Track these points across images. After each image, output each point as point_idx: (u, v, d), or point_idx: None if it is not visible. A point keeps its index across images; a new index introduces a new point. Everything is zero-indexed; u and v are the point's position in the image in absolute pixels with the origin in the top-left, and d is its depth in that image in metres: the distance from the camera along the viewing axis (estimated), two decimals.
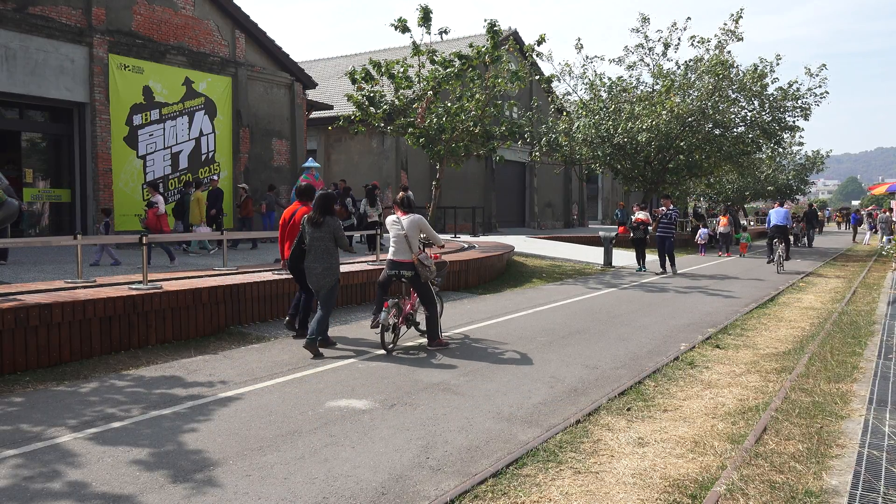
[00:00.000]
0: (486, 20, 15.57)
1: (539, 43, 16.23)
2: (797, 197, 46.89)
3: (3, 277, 9.15)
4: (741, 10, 22.97)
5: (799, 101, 23.63)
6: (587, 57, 24.21)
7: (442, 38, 15.62)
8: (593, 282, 14.41)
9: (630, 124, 22.29)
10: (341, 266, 7.94)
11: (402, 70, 15.40)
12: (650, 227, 16.79)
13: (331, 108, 23.49)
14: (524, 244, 20.21)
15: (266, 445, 4.54)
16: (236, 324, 8.55)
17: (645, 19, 23.72)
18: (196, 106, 17.21)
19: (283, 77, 19.52)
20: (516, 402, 5.60)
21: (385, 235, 16.59)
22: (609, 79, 24.04)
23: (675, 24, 23.28)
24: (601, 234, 18.86)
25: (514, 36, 26.91)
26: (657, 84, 23.72)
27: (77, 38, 14.50)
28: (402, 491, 3.88)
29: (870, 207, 58.38)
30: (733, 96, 23.30)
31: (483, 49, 15.48)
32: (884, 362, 6.85)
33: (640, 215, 16.73)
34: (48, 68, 14.12)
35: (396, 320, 7.43)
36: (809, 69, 23.38)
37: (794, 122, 24.32)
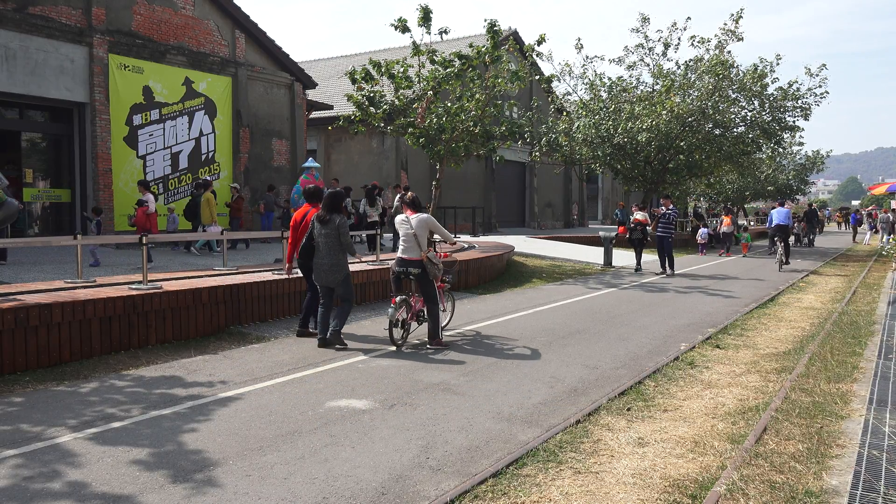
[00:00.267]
0: (486, 20, 15.56)
1: (539, 43, 16.22)
2: (797, 197, 46.89)
3: (3, 277, 9.15)
4: (741, 10, 22.96)
5: (799, 101, 23.62)
6: (587, 57, 24.20)
7: (442, 38, 15.61)
8: (593, 282, 14.41)
9: (630, 124, 22.28)
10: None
11: (402, 70, 15.39)
12: (648, 228, 16.79)
13: (331, 108, 23.49)
14: (524, 244, 20.21)
15: (266, 445, 4.54)
16: (236, 324, 8.54)
17: (645, 19, 23.71)
18: (196, 106, 17.22)
19: (283, 77, 19.53)
20: (516, 402, 5.60)
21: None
22: (609, 79, 24.03)
23: (675, 24, 23.27)
24: (601, 234, 18.87)
25: (514, 36, 26.91)
26: (657, 84, 23.70)
27: (77, 38, 14.50)
28: (402, 491, 3.88)
29: (870, 207, 58.40)
30: (733, 96, 23.29)
31: (483, 49, 15.47)
32: (884, 362, 6.85)
33: (638, 216, 16.72)
34: (48, 68, 14.12)
35: (405, 317, 7.64)
36: (809, 69, 23.38)
37: (794, 122, 24.32)
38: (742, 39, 23.11)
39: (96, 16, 14.78)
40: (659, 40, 23.66)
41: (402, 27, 15.26)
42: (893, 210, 28.46)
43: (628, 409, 5.45)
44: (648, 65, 24.17)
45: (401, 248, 7.79)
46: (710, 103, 22.54)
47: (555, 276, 15.28)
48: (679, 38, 23.48)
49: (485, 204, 28.45)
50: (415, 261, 7.63)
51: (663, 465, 4.31)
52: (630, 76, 24.45)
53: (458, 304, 10.88)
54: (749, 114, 23.99)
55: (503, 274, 14.85)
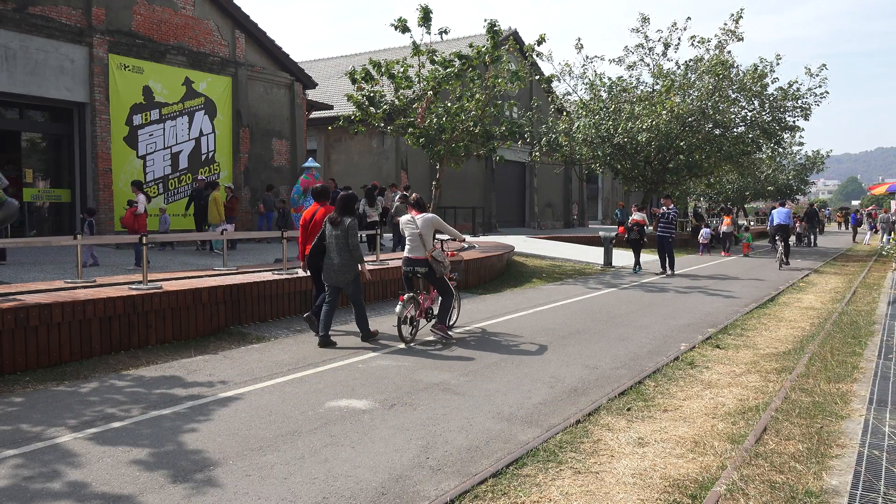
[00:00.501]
0: (486, 20, 15.57)
1: (539, 43, 16.22)
2: (797, 197, 46.91)
3: (3, 277, 9.15)
4: (741, 10, 22.97)
5: (799, 101, 23.63)
6: (587, 57, 24.21)
7: (442, 38, 15.61)
8: (593, 282, 14.41)
9: (630, 124, 22.28)
10: None
11: (402, 70, 15.39)
12: (649, 228, 16.79)
13: (331, 108, 23.49)
14: (524, 244, 20.21)
15: (266, 445, 4.54)
16: (236, 324, 8.54)
17: (645, 19, 23.72)
18: (196, 106, 17.22)
19: (283, 77, 19.53)
20: (516, 402, 5.60)
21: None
22: (609, 79, 24.03)
23: (675, 24, 23.28)
24: (601, 234, 18.87)
25: (514, 36, 26.91)
26: (657, 84, 23.71)
27: (77, 38, 14.50)
28: (402, 491, 3.88)
29: (870, 207, 58.39)
30: (733, 96, 23.29)
31: (483, 49, 15.47)
32: (884, 362, 6.85)
33: (636, 216, 16.70)
34: (48, 68, 14.12)
35: (413, 314, 7.84)
36: (809, 69, 23.39)
37: (794, 122, 24.33)
38: (742, 39, 23.11)
39: (96, 16, 14.78)
40: (659, 40, 23.68)
41: (402, 27, 15.26)
42: (894, 211, 28.46)
43: (628, 409, 5.45)
44: (648, 65, 24.19)
45: (407, 247, 8.03)
46: (710, 103, 22.55)
47: (555, 276, 15.28)
48: (679, 38, 23.49)
49: (485, 204, 28.45)
50: (420, 260, 7.88)
51: (663, 465, 4.31)
52: (630, 76, 24.47)
53: None
54: (749, 114, 24.00)
55: (503, 274, 14.85)
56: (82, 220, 12.14)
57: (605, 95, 23.97)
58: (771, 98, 23.47)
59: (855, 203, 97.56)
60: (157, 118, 16.27)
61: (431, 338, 8.08)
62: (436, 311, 8.25)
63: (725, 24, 23.17)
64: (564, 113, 25.17)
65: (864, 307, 10.83)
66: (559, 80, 24.49)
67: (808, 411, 5.30)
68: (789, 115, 23.94)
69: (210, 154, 17.63)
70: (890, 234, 25.90)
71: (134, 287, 7.77)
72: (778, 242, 18.52)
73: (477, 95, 15.65)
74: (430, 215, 8.04)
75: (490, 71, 15.88)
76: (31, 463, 4.19)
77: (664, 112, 21.62)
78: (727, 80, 22.55)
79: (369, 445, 4.57)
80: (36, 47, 13.88)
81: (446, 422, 5.07)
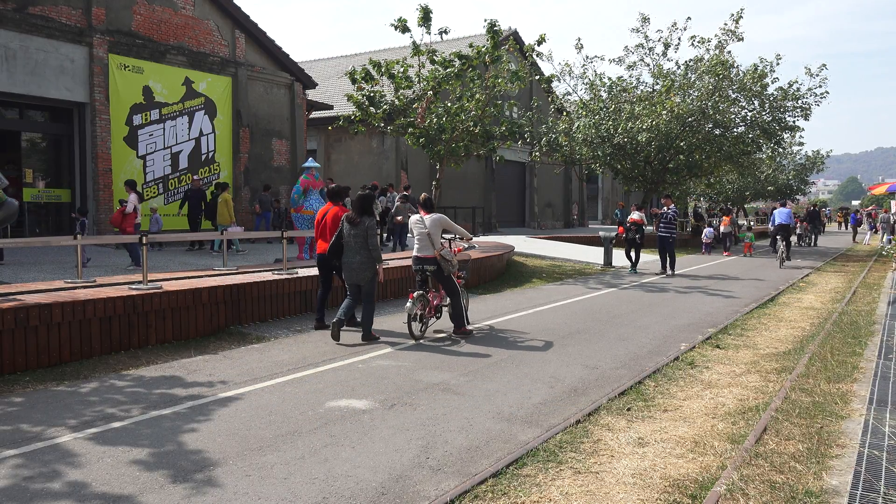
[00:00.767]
0: (486, 20, 15.57)
1: (539, 43, 16.23)
2: (797, 197, 46.92)
3: (3, 277, 9.15)
4: (741, 10, 22.97)
5: (799, 101, 23.62)
6: (587, 57, 24.20)
7: (442, 38, 15.62)
8: (593, 282, 14.41)
9: (630, 124, 22.28)
10: None
11: (402, 70, 15.39)
12: (649, 228, 16.79)
13: (331, 108, 23.49)
14: (524, 244, 20.21)
15: (266, 445, 4.53)
16: (236, 324, 8.54)
17: (645, 19, 23.71)
18: (196, 106, 17.22)
19: (283, 77, 19.53)
20: (516, 402, 5.60)
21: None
22: (609, 79, 24.03)
23: (675, 24, 23.27)
24: (601, 234, 18.87)
25: (514, 36, 26.92)
26: (657, 84, 23.70)
27: (77, 38, 14.50)
28: (402, 491, 3.88)
29: (870, 207, 58.38)
30: (733, 96, 23.28)
31: (483, 49, 15.47)
32: (884, 362, 6.85)
33: (635, 216, 16.68)
34: (48, 68, 14.12)
35: (423, 311, 8.07)
36: (809, 69, 23.38)
37: (794, 122, 24.32)
38: (742, 39, 23.11)
39: (96, 16, 14.78)
40: (659, 40, 23.66)
41: (402, 27, 15.26)
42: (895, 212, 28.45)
43: (628, 409, 5.44)
44: (648, 65, 24.18)
45: (416, 246, 8.27)
46: (710, 103, 22.54)
47: (555, 276, 15.28)
48: (679, 38, 23.48)
49: (485, 204, 28.45)
50: (429, 258, 8.15)
51: (663, 465, 4.31)
52: (630, 76, 24.46)
53: None
54: (749, 114, 23.99)
55: (503, 274, 14.85)
56: (74, 219, 12.13)
57: (605, 95, 23.96)
58: (771, 98, 23.46)
59: (855, 203, 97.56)
60: (157, 118, 16.27)
61: (440, 335, 8.28)
62: (445, 309, 8.54)
63: (725, 24, 23.17)
64: (564, 113, 25.16)
65: (864, 307, 10.83)
66: (559, 80, 24.49)
67: (808, 411, 5.30)
68: (789, 115, 23.93)
69: (210, 154, 17.63)
70: (891, 235, 25.89)
71: (134, 287, 7.77)
72: (779, 242, 18.97)
73: (477, 95, 15.65)
74: (438, 215, 8.28)
75: (490, 71, 15.89)
76: (31, 463, 4.19)
77: (664, 112, 21.62)
78: (727, 80, 22.54)
79: (369, 445, 4.57)
80: (36, 47, 13.88)
81: (446, 422, 5.07)
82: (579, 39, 24.45)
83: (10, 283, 8.32)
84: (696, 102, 22.73)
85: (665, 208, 16.34)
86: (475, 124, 15.86)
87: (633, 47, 24.09)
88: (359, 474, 4.09)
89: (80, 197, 15.08)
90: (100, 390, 5.83)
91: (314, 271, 10.15)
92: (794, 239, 25.99)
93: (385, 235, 16.70)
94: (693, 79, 23.21)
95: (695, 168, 24.56)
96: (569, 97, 26.27)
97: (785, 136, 25.43)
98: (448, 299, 8.35)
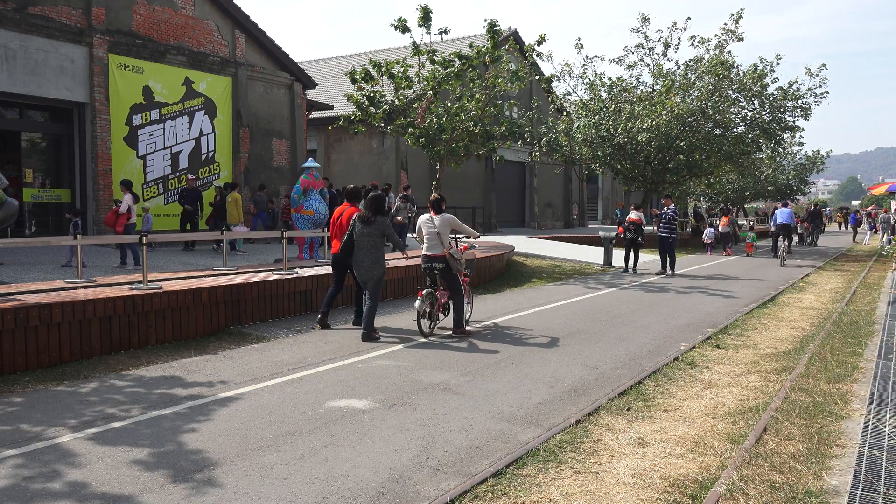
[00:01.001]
0: (486, 20, 15.56)
1: (539, 43, 16.22)
2: (797, 197, 46.93)
3: (3, 277, 9.15)
4: (741, 10, 22.97)
5: (799, 101, 23.62)
6: (587, 57, 24.21)
7: (442, 38, 15.61)
8: (593, 282, 14.41)
9: (630, 124, 22.28)
10: None
11: (402, 70, 15.39)
12: (649, 228, 16.79)
13: (331, 108, 23.49)
14: (524, 244, 20.21)
15: (266, 445, 4.53)
16: (236, 324, 8.54)
17: (645, 19, 23.72)
18: (196, 106, 17.21)
19: (283, 77, 19.53)
20: (516, 402, 5.60)
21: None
22: (609, 79, 24.03)
23: (675, 24, 23.27)
24: (601, 234, 18.87)
25: (514, 36, 26.92)
26: (657, 84, 23.70)
27: (77, 38, 14.50)
28: (402, 491, 3.88)
29: (870, 207, 58.37)
30: (733, 96, 23.29)
31: (483, 49, 15.47)
32: (884, 362, 6.85)
33: (633, 215, 16.68)
34: (48, 68, 14.12)
35: (432, 308, 8.30)
36: (809, 69, 23.38)
37: (794, 122, 24.33)
38: (742, 39, 23.11)
39: (96, 16, 14.78)
40: (659, 40, 23.67)
41: (402, 27, 15.26)
42: (895, 211, 28.45)
43: (628, 409, 5.44)
44: (648, 65, 24.18)
45: (425, 245, 8.50)
46: (710, 103, 22.54)
47: (555, 276, 15.28)
48: (679, 38, 23.49)
49: (485, 204, 28.45)
50: (438, 257, 8.38)
51: (663, 465, 4.31)
52: (630, 76, 24.47)
53: None
54: (749, 114, 23.99)
55: (503, 274, 14.85)
56: (68, 220, 12.10)
57: (605, 95, 23.96)
58: (771, 98, 23.46)
59: (855, 203, 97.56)
60: (157, 118, 16.27)
61: (448, 332, 8.49)
62: (452, 305, 8.66)
63: (725, 24, 23.17)
64: (564, 113, 25.17)
65: (864, 307, 10.83)
66: (559, 80, 24.50)
67: (808, 411, 5.30)
68: (789, 115, 23.93)
69: (210, 154, 17.63)
70: (891, 234, 25.89)
71: (134, 287, 7.77)
72: (781, 241, 19.51)
73: (477, 95, 15.65)
74: (447, 215, 8.56)
75: (490, 71, 15.88)
76: (31, 463, 4.19)
77: (664, 112, 21.62)
78: (727, 80, 22.54)
79: (369, 445, 4.57)
80: (36, 47, 13.88)
81: (446, 422, 5.07)
82: (579, 39, 24.46)
83: (10, 283, 8.32)
84: (696, 102, 22.73)
85: (665, 208, 16.34)
86: (475, 124, 15.86)
87: (633, 47, 24.10)
88: (359, 474, 4.09)
89: (80, 197, 15.08)
90: (100, 390, 5.83)
91: (314, 271, 10.16)
92: (795, 239, 26.12)
93: None
94: (693, 79, 23.21)
95: (695, 168, 24.56)
96: (569, 97, 26.28)
97: (785, 136, 25.44)
98: (452, 302, 8.52)
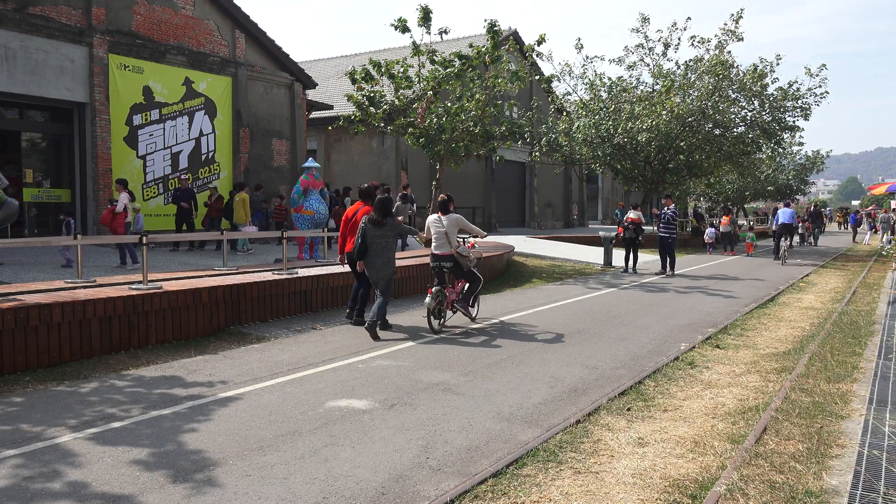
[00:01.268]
0: (486, 20, 15.57)
1: (539, 43, 16.22)
2: (797, 197, 46.94)
3: (3, 277, 9.15)
4: (741, 10, 22.97)
5: (799, 101, 23.64)
6: (587, 57, 24.23)
7: (442, 38, 15.62)
8: (593, 282, 14.41)
9: (630, 124, 22.28)
10: None
11: (402, 70, 15.39)
12: (649, 228, 16.80)
13: (331, 108, 23.49)
14: (524, 244, 20.21)
15: (266, 445, 4.54)
16: (236, 324, 8.54)
17: (645, 19, 23.73)
18: (196, 106, 17.22)
19: (283, 77, 19.53)
20: (516, 402, 5.60)
21: None
22: (609, 79, 24.04)
23: (675, 24, 23.29)
24: (601, 234, 18.87)
25: (514, 36, 26.92)
26: (657, 84, 23.72)
27: (77, 38, 14.50)
28: (402, 491, 3.88)
29: (870, 208, 58.40)
30: (733, 96, 23.30)
31: (483, 49, 15.47)
32: (884, 362, 6.85)
33: (632, 215, 16.67)
34: (48, 68, 14.12)
35: (441, 306, 8.56)
36: (809, 69, 23.39)
37: (794, 122, 24.35)
38: (742, 39, 23.12)
39: (96, 16, 14.78)
40: (659, 40, 23.69)
41: (402, 27, 15.26)
42: (894, 210, 28.47)
43: (628, 409, 5.45)
44: (648, 65, 24.19)
45: (434, 245, 8.83)
46: (710, 103, 22.55)
47: (555, 276, 15.28)
48: (679, 39, 23.52)
49: (485, 204, 28.45)
50: (446, 256, 8.74)
51: (663, 465, 4.31)
52: (630, 76, 24.49)
53: None
54: (749, 114, 24.01)
55: (503, 274, 14.85)
56: (61, 220, 12.09)
57: (605, 95, 23.97)
58: (771, 98, 23.47)
59: (855, 203, 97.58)
60: (157, 118, 16.27)
61: (457, 330, 8.69)
62: (467, 287, 9.04)
63: (725, 24, 23.18)
64: (564, 113, 25.17)
65: (864, 307, 10.83)
66: (559, 80, 24.52)
67: (808, 411, 5.30)
68: (789, 115, 23.95)
69: (210, 154, 17.63)
70: (891, 234, 25.89)
71: (134, 287, 7.77)
72: (782, 241, 19.89)
73: (477, 95, 15.66)
74: (455, 215, 8.85)
75: (490, 71, 15.89)
76: (31, 463, 4.19)
77: (664, 112, 21.63)
78: (727, 80, 22.55)
79: (369, 445, 4.57)
80: (36, 47, 13.88)
81: (446, 422, 5.07)
82: (579, 39, 24.47)
83: (10, 283, 8.31)
84: (695, 102, 22.74)
85: (665, 209, 16.34)
86: (475, 124, 15.86)
87: (633, 47, 24.12)
88: (359, 474, 4.09)
89: (80, 197, 15.08)
90: (100, 390, 5.83)
91: (314, 271, 10.16)
92: (796, 239, 26.31)
93: None
94: (693, 79, 23.22)
95: (695, 168, 24.57)
96: (569, 97, 26.30)
97: (785, 136, 25.45)
98: (468, 285, 8.98)
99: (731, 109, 23.59)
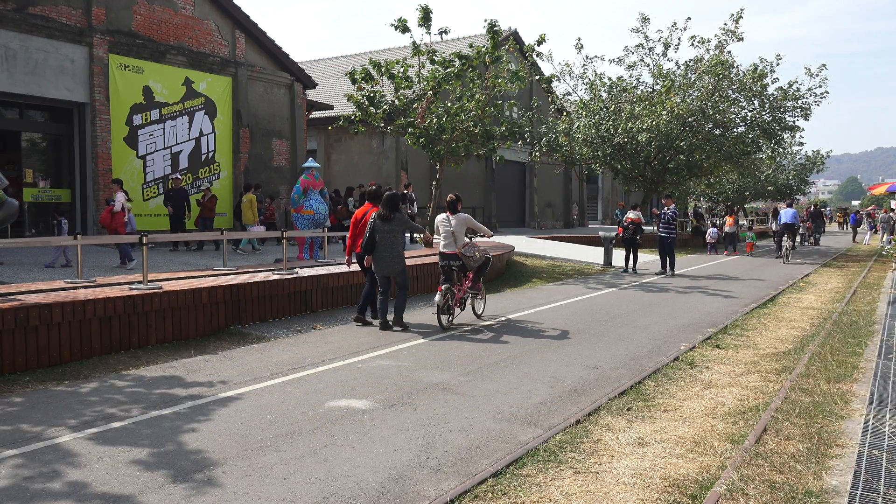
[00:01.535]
0: (486, 20, 15.58)
1: (539, 43, 16.24)
2: (797, 197, 46.93)
3: (3, 277, 9.16)
4: (741, 10, 22.97)
5: (799, 101, 23.64)
6: (587, 57, 24.22)
7: (442, 38, 15.63)
8: (593, 282, 14.41)
9: (630, 124, 22.28)
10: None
11: (402, 70, 15.40)
12: (649, 228, 16.80)
13: (331, 108, 23.49)
14: (524, 244, 20.21)
15: (266, 445, 4.54)
16: (236, 324, 8.54)
17: (645, 19, 23.72)
18: (196, 106, 17.22)
19: (283, 77, 19.53)
20: (516, 402, 5.60)
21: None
22: (609, 79, 24.04)
23: (675, 24, 23.29)
24: (601, 234, 18.88)
25: (514, 36, 26.92)
26: (657, 84, 23.71)
27: (77, 38, 14.50)
28: (402, 491, 3.88)
29: (870, 208, 58.40)
30: (733, 96, 23.30)
31: (483, 49, 15.48)
32: (884, 362, 6.85)
33: (632, 215, 16.66)
34: (48, 68, 14.12)
35: (450, 303, 8.77)
36: (809, 69, 23.39)
37: (794, 122, 24.35)
38: (742, 39, 23.12)
39: (96, 16, 14.78)
40: (659, 40, 23.68)
41: (402, 27, 15.27)
42: (894, 210, 28.47)
43: (628, 409, 5.44)
44: (648, 65, 24.19)
45: (442, 243, 9.01)
46: (710, 103, 22.55)
47: (555, 276, 15.28)
48: (679, 39, 23.51)
49: (485, 204, 28.45)
50: (454, 254, 8.92)
51: (663, 465, 4.31)
52: (630, 76, 24.48)
53: None
54: (749, 114, 24.01)
55: (503, 274, 14.85)
56: (54, 222, 12.09)
57: (605, 95, 23.97)
58: (771, 98, 23.47)
59: (855, 203, 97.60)
60: (157, 118, 16.27)
61: (465, 327, 8.82)
62: (469, 301, 9.39)
63: (725, 24, 23.18)
64: (564, 113, 25.17)
65: (864, 307, 10.83)
66: (559, 80, 24.52)
67: (808, 411, 5.30)
68: (789, 115, 23.95)
69: (210, 154, 17.63)
70: (891, 235, 25.90)
71: (134, 287, 7.77)
72: (785, 241, 20.19)
73: (477, 95, 15.66)
74: (463, 215, 9.06)
75: (490, 71, 15.89)
76: (31, 463, 4.19)
77: (664, 112, 21.63)
78: (727, 80, 22.55)
79: (369, 445, 4.57)
80: (36, 47, 13.88)
81: (446, 422, 5.07)
82: (579, 39, 24.47)
83: (10, 283, 8.31)
84: (696, 102, 22.74)
85: (665, 209, 16.34)
86: (475, 124, 15.87)
87: (633, 47, 24.12)
88: (359, 474, 4.09)
89: (79, 197, 15.08)
90: (100, 390, 5.83)
91: (314, 271, 10.16)
92: (798, 238, 26.35)
93: None
94: (693, 79, 23.22)
95: (695, 168, 24.57)
96: (569, 97, 26.29)
97: (785, 136, 25.46)
98: (469, 293, 9.31)
99: (731, 109, 23.60)
